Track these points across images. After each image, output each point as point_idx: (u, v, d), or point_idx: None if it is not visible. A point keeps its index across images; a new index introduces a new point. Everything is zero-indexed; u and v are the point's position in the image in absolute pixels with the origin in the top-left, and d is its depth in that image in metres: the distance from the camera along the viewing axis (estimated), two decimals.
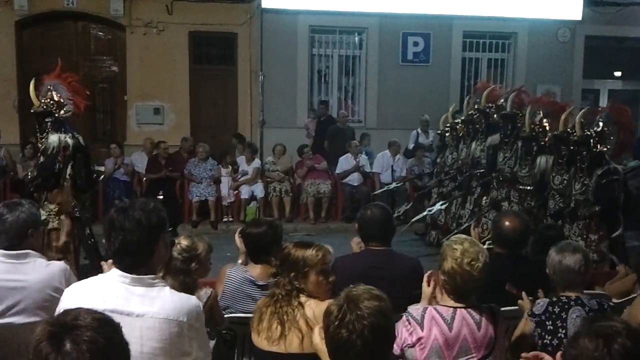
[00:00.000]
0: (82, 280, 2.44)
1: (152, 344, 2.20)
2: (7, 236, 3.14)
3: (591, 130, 6.19)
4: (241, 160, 10.67)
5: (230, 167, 10.48)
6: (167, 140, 10.56)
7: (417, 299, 3.15)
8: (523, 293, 3.34)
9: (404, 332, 2.78)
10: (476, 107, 8.42)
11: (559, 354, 2.06)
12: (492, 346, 2.81)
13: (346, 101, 12.91)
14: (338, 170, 10.69)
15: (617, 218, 6.21)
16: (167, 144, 10.41)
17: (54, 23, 11.85)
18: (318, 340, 2.40)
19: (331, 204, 10.61)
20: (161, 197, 9.02)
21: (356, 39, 12.65)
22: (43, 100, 5.74)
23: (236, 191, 10.33)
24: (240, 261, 3.81)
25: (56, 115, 5.73)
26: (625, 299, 3.97)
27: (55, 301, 2.67)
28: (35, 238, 3.25)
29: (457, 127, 8.75)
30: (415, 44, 12.48)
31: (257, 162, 10.62)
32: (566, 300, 3.13)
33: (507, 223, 3.84)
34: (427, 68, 12.56)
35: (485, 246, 3.09)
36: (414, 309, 2.85)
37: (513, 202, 7.27)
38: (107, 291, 2.26)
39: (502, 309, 3.06)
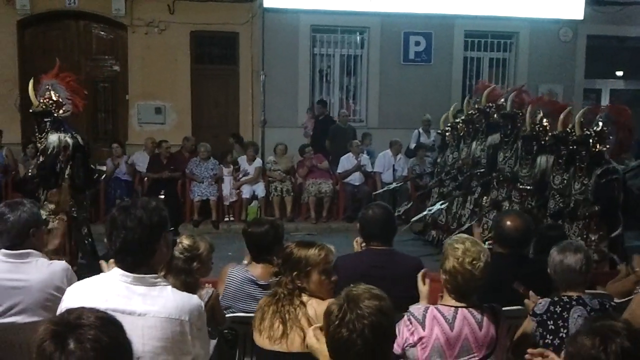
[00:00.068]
0: (84, 280, 2.45)
1: (153, 343, 2.20)
2: (9, 236, 3.14)
3: (590, 130, 6.19)
4: (242, 159, 10.67)
5: (231, 166, 10.48)
6: (168, 140, 10.57)
7: (418, 299, 3.16)
8: (531, 292, 3.34)
9: (405, 331, 2.78)
10: (476, 106, 8.42)
11: (563, 353, 2.06)
12: (493, 346, 2.81)
13: (347, 101, 12.91)
14: (339, 170, 10.69)
15: (617, 218, 6.21)
16: (169, 143, 10.42)
17: (56, 23, 11.86)
18: (313, 341, 2.40)
19: (332, 204, 10.61)
20: (162, 196, 9.03)
21: (358, 38, 12.65)
22: (42, 100, 5.74)
23: (238, 190, 10.34)
24: (246, 261, 3.81)
25: (55, 114, 5.73)
26: (627, 298, 3.97)
27: (57, 301, 2.68)
28: (37, 238, 3.25)
29: (458, 126, 8.75)
30: (417, 43, 12.48)
31: (258, 162, 10.62)
32: (568, 299, 3.13)
33: (509, 223, 3.84)
34: (428, 67, 12.55)
35: (485, 246, 3.09)
36: (416, 309, 2.85)
37: (514, 202, 7.26)
38: (109, 290, 2.26)
39: (504, 308, 3.06)
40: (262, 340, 2.86)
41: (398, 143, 10.94)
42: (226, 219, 10.27)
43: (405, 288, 3.41)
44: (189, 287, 2.96)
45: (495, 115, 7.97)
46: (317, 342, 2.32)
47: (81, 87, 6.23)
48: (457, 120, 8.82)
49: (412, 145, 11.27)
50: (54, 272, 3.14)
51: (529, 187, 7.05)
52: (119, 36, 12.01)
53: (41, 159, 5.78)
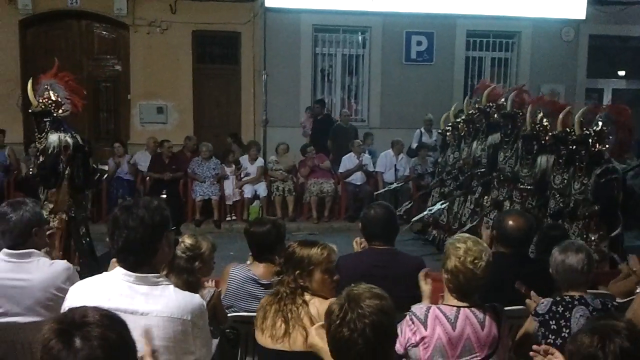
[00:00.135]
0: (86, 279, 2.45)
1: (156, 342, 2.20)
2: (11, 235, 3.15)
3: (590, 129, 6.19)
4: (244, 159, 10.68)
5: (233, 165, 10.49)
6: (170, 139, 10.58)
7: (420, 299, 3.16)
8: (532, 292, 3.34)
9: (407, 331, 2.79)
10: (477, 106, 8.41)
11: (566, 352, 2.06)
12: (495, 345, 2.81)
13: (349, 100, 12.91)
14: (341, 170, 10.69)
15: (617, 217, 6.21)
16: (170, 143, 10.43)
17: (58, 22, 11.87)
18: (316, 340, 2.40)
19: (334, 203, 10.61)
20: (164, 196, 9.04)
21: (359, 38, 12.64)
22: (41, 100, 5.73)
23: (240, 190, 10.34)
24: (249, 262, 3.81)
25: (54, 114, 5.73)
26: (629, 298, 3.97)
27: (59, 300, 2.68)
28: (39, 237, 3.26)
29: (459, 126, 8.74)
30: (419, 43, 12.47)
31: (260, 161, 10.63)
32: (570, 299, 3.13)
33: (511, 222, 3.84)
34: (430, 67, 12.54)
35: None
36: (418, 308, 2.85)
37: (515, 201, 7.25)
38: (111, 290, 2.27)
39: (506, 308, 3.06)
40: (264, 339, 2.86)
41: (400, 143, 10.94)
42: (228, 219, 10.28)
43: (407, 287, 3.41)
44: (191, 286, 2.96)
45: (495, 115, 7.96)
46: (321, 341, 2.32)
47: (80, 87, 6.21)
48: (458, 120, 8.81)
49: (414, 145, 11.27)
50: (55, 272, 3.14)
51: (529, 187, 7.05)
52: (120, 36, 12.02)
53: (41, 158, 5.77)
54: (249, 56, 12.06)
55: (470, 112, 8.53)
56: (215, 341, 3.28)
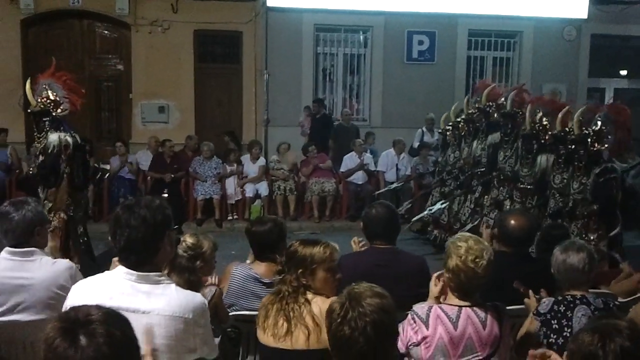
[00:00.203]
0: (88, 278, 2.45)
1: (158, 341, 2.20)
2: (14, 234, 3.16)
3: (589, 129, 6.19)
4: (245, 158, 10.68)
5: (235, 164, 10.49)
6: (171, 139, 10.59)
7: (422, 298, 3.15)
8: (530, 291, 3.34)
9: (409, 330, 2.79)
10: (477, 105, 8.41)
11: (565, 353, 2.05)
12: (497, 345, 2.81)
13: (351, 100, 12.91)
14: (342, 169, 10.69)
15: (616, 217, 6.21)
16: (172, 142, 10.44)
17: (60, 22, 11.88)
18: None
19: (335, 203, 10.61)
20: (166, 195, 9.05)
21: (361, 37, 12.63)
22: (39, 100, 5.74)
23: (241, 189, 10.35)
24: (249, 261, 3.82)
25: (53, 114, 5.73)
26: (631, 298, 3.97)
27: (61, 299, 2.69)
28: (41, 236, 3.27)
29: (459, 125, 8.74)
30: (420, 42, 12.47)
31: (262, 161, 10.63)
32: (571, 299, 3.13)
33: (512, 221, 3.84)
34: (432, 66, 12.54)
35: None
36: (419, 308, 2.85)
37: (515, 201, 7.25)
38: (113, 288, 2.27)
39: (507, 307, 3.06)
40: (266, 338, 2.87)
41: (401, 142, 10.94)
42: (229, 218, 10.29)
43: (409, 287, 3.41)
44: (193, 285, 2.96)
45: (495, 115, 7.96)
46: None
47: (78, 86, 6.21)
48: (458, 120, 8.80)
49: (416, 144, 11.26)
50: (58, 271, 3.15)
51: (529, 187, 7.05)
52: (122, 35, 12.03)
53: (41, 158, 5.78)
54: (251, 55, 12.06)
55: (470, 111, 8.53)
56: (217, 340, 3.29)
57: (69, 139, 5.74)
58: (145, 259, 2.30)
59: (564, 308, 3.10)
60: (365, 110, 12.77)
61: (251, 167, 10.53)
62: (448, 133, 9.05)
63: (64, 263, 3.24)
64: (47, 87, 5.77)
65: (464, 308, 2.80)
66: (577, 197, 6.24)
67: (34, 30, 11.78)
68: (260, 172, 10.47)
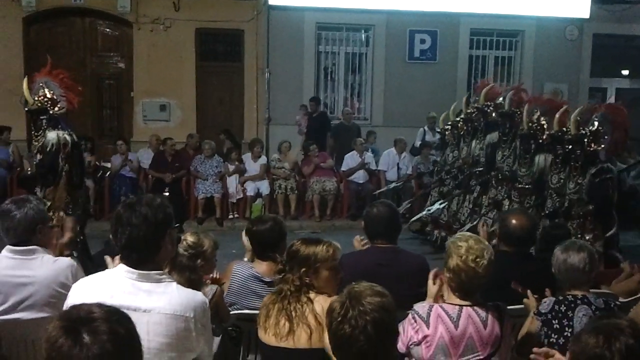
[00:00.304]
0: (90, 276, 2.46)
1: (158, 339, 2.21)
2: (16, 232, 3.16)
3: (586, 129, 6.18)
4: (247, 157, 10.68)
5: (236, 163, 10.49)
6: (173, 137, 10.58)
7: (423, 297, 3.15)
8: (528, 291, 3.34)
9: (410, 330, 2.79)
10: (475, 105, 8.40)
11: (568, 353, 2.05)
12: (498, 344, 2.81)
13: (352, 98, 12.91)
14: (344, 168, 10.69)
15: (612, 217, 6.21)
16: (173, 140, 10.44)
17: (61, 19, 11.89)
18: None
19: (336, 202, 10.61)
20: (167, 193, 9.05)
21: (363, 36, 12.63)
22: (37, 98, 5.74)
23: (242, 188, 10.35)
24: (246, 259, 3.83)
25: (51, 112, 5.73)
26: (632, 298, 3.96)
27: (62, 297, 2.69)
28: (43, 234, 3.26)
29: (458, 125, 8.73)
30: (422, 41, 12.46)
31: (263, 159, 10.63)
32: (572, 299, 3.13)
33: (513, 221, 3.84)
34: (433, 65, 12.54)
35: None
36: (420, 307, 2.85)
37: (514, 200, 7.25)
38: (115, 287, 2.27)
39: (508, 307, 3.06)
40: (267, 337, 2.87)
41: (402, 141, 10.93)
42: (230, 216, 10.29)
43: (410, 286, 3.41)
44: (193, 284, 2.97)
45: (493, 114, 7.96)
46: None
47: (74, 83, 6.19)
48: (457, 119, 8.79)
49: (418, 143, 11.25)
50: (59, 269, 3.15)
51: (527, 186, 7.04)
52: (124, 33, 12.03)
53: (39, 156, 5.78)
54: (252, 54, 12.06)
55: (469, 111, 8.52)
56: (217, 339, 3.29)
57: (68, 137, 5.74)
58: (146, 257, 2.30)
59: (565, 308, 3.11)
60: (366, 109, 12.77)
61: (252, 166, 10.53)
62: (447, 133, 9.04)
63: (65, 261, 3.24)
64: (43, 86, 5.76)
65: (464, 307, 2.80)
66: (573, 197, 6.25)
67: (36, 27, 11.78)
68: (262, 171, 10.47)
